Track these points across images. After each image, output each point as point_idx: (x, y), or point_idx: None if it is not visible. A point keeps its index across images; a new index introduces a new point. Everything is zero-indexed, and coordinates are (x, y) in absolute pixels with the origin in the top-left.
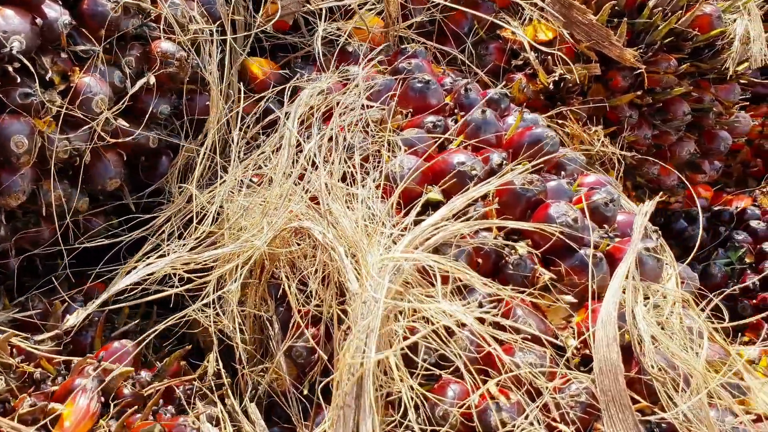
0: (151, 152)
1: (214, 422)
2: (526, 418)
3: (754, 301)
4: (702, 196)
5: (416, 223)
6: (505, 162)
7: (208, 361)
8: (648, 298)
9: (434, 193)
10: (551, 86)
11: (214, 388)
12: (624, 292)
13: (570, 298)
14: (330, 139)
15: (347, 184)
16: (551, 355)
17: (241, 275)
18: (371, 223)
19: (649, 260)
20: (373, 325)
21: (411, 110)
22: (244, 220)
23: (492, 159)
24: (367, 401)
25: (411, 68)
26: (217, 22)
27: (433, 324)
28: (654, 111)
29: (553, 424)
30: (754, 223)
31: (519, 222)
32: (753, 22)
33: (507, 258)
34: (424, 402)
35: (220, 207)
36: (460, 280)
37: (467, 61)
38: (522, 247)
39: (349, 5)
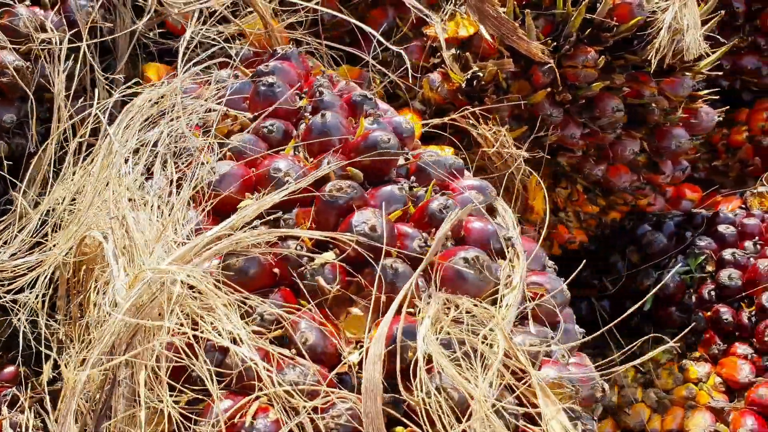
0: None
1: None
2: None
3: (709, 313)
4: (688, 198)
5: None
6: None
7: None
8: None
9: (249, 201)
10: (464, 85)
11: (46, 395)
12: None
13: (357, 311)
14: (154, 144)
15: (162, 190)
16: (317, 372)
17: (44, 284)
18: (169, 232)
19: (468, 272)
20: (106, 339)
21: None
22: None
23: (321, 166)
24: (70, 418)
25: (268, 70)
26: (74, 30)
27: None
28: (580, 108)
29: None
30: (722, 228)
31: (310, 231)
32: (687, 9)
33: (305, 268)
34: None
35: (49, 212)
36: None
37: (372, 61)
38: (321, 258)
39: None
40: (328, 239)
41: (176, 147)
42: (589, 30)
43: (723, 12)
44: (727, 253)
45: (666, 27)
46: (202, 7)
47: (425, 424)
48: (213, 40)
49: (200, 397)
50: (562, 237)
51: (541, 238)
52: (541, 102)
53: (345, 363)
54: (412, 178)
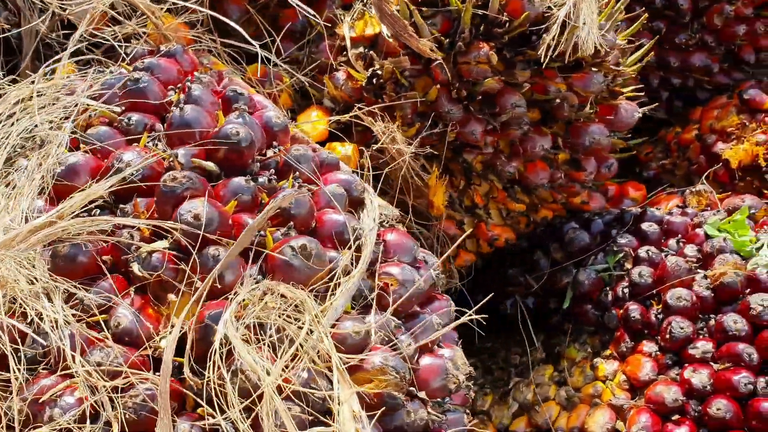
0: None
1: None
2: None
3: (621, 311)
4: (631, 197)
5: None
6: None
7: None
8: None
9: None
10: (365, 82)
11: None
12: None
13: (172, 297)
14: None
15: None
16: (122, 354)
17: None
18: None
19: (295, 260)
20: None
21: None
22: None
23: (178, 158)
24: None
25: (142, 67)
26: None
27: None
28: (481, 105)
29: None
30: (645, 226)
31: (136, 220)
32: (584, 4)
33: (130, 256)
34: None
35: None
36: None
37: (277, 60)
38: (148, 246)
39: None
40: (158, 228)
41: (31, 139)
42: (483, 26)
43: (644, 10)
44: (642, 251)
45: (559, 23)
46: (102, 8)
47: (217, 407)
48: (107, 39)
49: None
50: (485, 234)
51: (464, 234)
52: (438, 99)
53: (147, 347)
54: (271, 171)
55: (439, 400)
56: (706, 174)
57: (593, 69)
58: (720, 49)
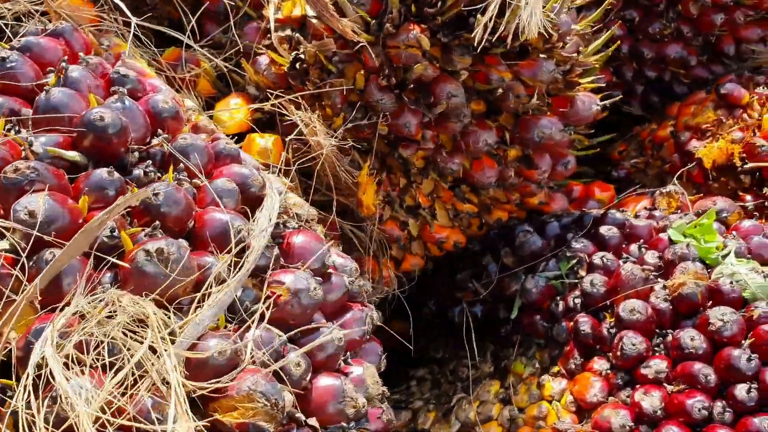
0: None
1: None
2: None
3: (572, 323)
4: (597, 198)
5: None
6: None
7: None
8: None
9: None
10: (288, 67)
11: None
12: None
13: None
14: None
15: None
16: None
17: None
18: None
19: (149, 266)
20: None
21: None
22: None
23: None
24: None
25: (19, 46)
26: None
27: None
28: (416, 95)
29: None
30: (604, 230)
31: None
32: None
33: None
34: None
35: None
36: None
37: (192, 43)
38: None
39: None
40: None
41: None
42: (414, 6)
43: None
44: (597, 257)
45: (497, 2)
46: None
47: None
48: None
49: None
50: (431, 237)
51: (372, 232)
52: (367, 86)
53: None
54: (148, 162)
55: (341, 425)
56: (678, 174)
57: (542, 56)
58: (697, 40)
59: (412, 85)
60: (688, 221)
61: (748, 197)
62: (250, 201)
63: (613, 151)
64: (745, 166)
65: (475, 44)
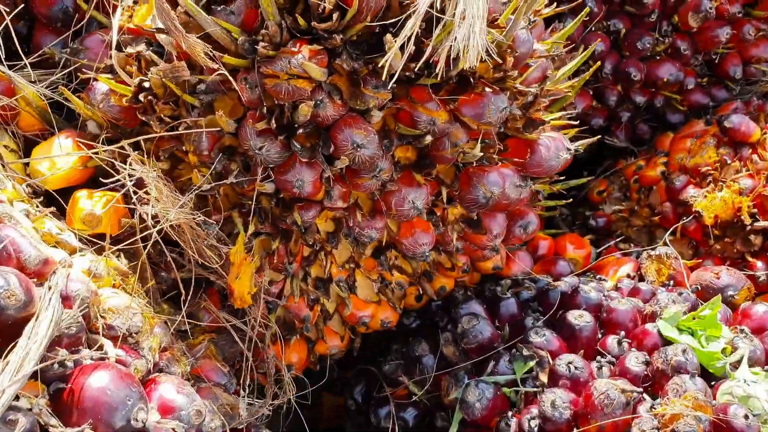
0: None
1: None
2: None
3: None
4: (569, 257)
5: None
6: None
7: None
8: None
9: None
10: (130, 99)
11: None
12: None
13: None
14: None
15: None
16: None
17: None
18: None
19: None
20: None
21: None
22: None
23: None
24: None
25: None
26: None
27: None
28: (313, 142)
29: None
30: (573, 317)
31: None
32: None
33: None
34: None
35: None
36: None
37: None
38: None
39: None
40: None
41: None
42: (304, 17)
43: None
44: (562, 363)
45: (419, 15)
46: None
47: None
48: None
49: None
50: (353, 316)
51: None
52: (241, 130)
53: None
54: None
55: None
56: (671, 230)
57: (490, 88)
58: (696, 58)
59: (301, 129)
60: (685, 308)
61: (759, 263)
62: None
63: (592, 191)
64: (756, 225)
65: (384, 74)
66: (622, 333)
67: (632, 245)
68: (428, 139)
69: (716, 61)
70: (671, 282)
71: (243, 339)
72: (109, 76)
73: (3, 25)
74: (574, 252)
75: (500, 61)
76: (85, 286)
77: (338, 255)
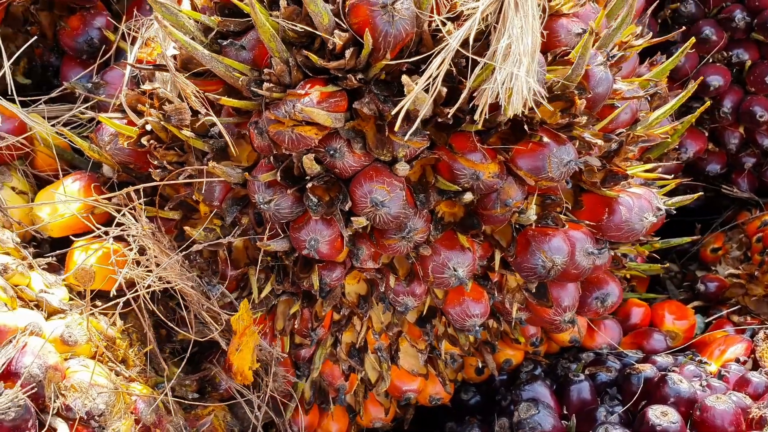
0: None
1: None
2: None
3: None
4: (667, 329)
5: None
6: None
7: None
8: None
9: None
10: (134, 142)
11: None
12: None
13: None
14: None
15: None
16: None
17: None
18: None
19: None
20: None
21: None
22: None
23: None
24: None
25: None
26: None
27: None
28: (330, 194)
29: None
30: (656, 416)
31: None
32: (514, 15)
33: None
34: None
35: None
36: None
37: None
38: None
39: None
40: None
41: None
42: (317, 52)
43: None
44: None
45: (448, 52)
46: None
47: None
48: None
49: None
50: (395, 387)
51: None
52: (250, 180)
53: None
54: None
55: None
56: None
57: (554, 136)
58: None
59: (314, 182)
60: None
61: None
62: None
63: (705, 248)
64: None
65: (425, 118)
66: None
67: (749, 318)
68: (468, 196)
69: None
70: None
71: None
72: (120, 115)
73: (13, 60)
74: (674, 323)
75: (567, 104)
76: (40, 360)
77: (376, 320)
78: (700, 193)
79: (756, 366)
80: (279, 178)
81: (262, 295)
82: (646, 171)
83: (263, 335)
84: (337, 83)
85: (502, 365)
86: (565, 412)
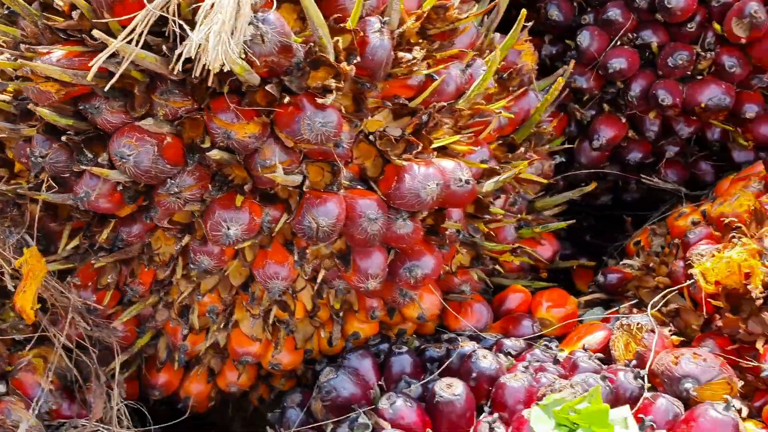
0: None
1: None
2: None
3: None
4: (541, 317)
5: None
6: None
7: None
8: None
9: None
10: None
11: None
12: None
13: None
14: None
15: None
16: None
17: None
18: None
19: None
20: None
21: None
22: None
23: None
24: None
25: None
26: None
27: None
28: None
29: None
30: (440, 386)
31: None
32: None
33: None
34: None
35: None
36: None
37: None
38: None
39: None
40: None
41: None
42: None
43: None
44: None
45: (149, 11)
46: None
47: None
48: None
49: None
50: (234, 351)
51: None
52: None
53: None
54: None
55: None
56: (664, 294)
57: (312, 99)
58: (760, 79)
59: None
60: (573, 393)
61: None
62: None
63: (630, 242)
64: None
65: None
66: (496, 416)
67: (637, 311)
68: (215, 153)
69: None
70: (632, 361)
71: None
72: None
73: None
74: (548, 311)
75: (332, 70)
76: None
77: (205, 282)
78: (589, 186)
79: (609, 354)
80: (40, 131)
81: (62, 248)
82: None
83: (85, 288)
84: (86, 44)
85: (349, 337)
86: (380, 383)
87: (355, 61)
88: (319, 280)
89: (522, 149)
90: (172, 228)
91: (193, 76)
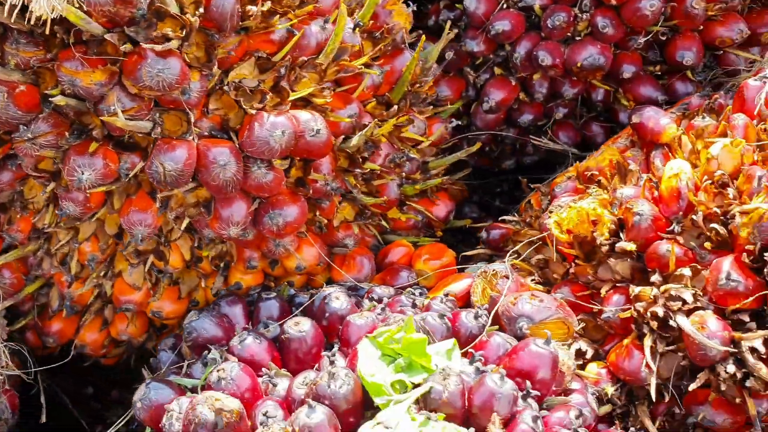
0: None
1: None
2: None
3: None
4: (419, 268)
5: None
6: None
7: None
8: None
9: None
10: None
11: None
12: None
13: None
14: None
15: None
16: None
17: None
18: None
19: None
20: None
21: None
22: None
23: None
24: None
25: None
26: None
27: None
28: None
29: None
30: (289, 324)
31: None
32: None
33: None
34: None
35: None
36: None
37: None
38: None
39: None
40: None
41: None
42: None
43: None
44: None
45: None
46: None
47: None
48: None
49: None
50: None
51: None
52: None
53: None
54: None
55: None
56: (525, 242)
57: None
58: (635, 40)
59: None
60: (396, 329)
61: (616, 297)
62: None
63: (523, 203)
64: (618, 246)
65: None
66: (336, 349)
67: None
68: (59, 99)
69: (665, 42)
70: (485, 305)
71: None
72: None
73: None
74: (425, 263)
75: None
76: None
77: (83, 230)
78: (478, 145)
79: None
80: None
81: None
82: (313, 96)
83: None
84: None
85: (230, 287)
86: (247, 326)
87: (198, 13)
88: (182, 227)
89: (395, 107)
90: (40, 176)
91: (31, 24)
